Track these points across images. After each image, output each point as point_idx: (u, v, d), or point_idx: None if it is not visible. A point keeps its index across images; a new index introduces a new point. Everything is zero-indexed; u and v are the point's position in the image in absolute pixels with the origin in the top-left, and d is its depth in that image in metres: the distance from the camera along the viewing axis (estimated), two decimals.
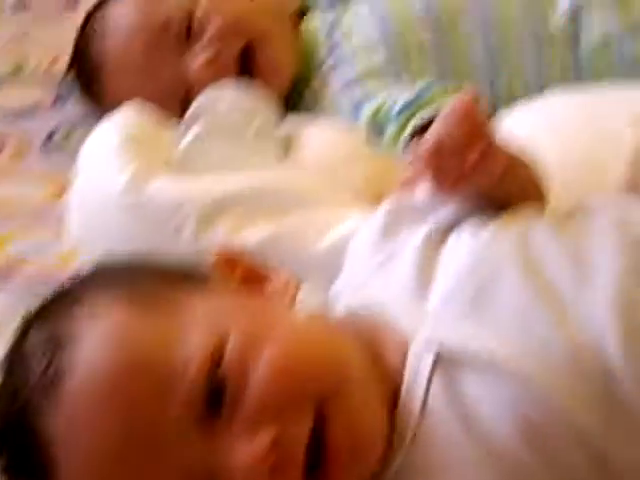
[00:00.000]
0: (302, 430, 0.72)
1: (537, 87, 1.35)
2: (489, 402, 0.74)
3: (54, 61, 1.70)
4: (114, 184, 1.12)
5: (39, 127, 1.57)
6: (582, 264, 0.79)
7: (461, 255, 0.83)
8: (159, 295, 0.78)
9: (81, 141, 1.27)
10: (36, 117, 1.60)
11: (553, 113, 1.22)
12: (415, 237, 0.86)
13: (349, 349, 0.79)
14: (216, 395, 0.72)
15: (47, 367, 0.74)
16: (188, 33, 1.37)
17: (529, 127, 1.19)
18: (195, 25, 1.37)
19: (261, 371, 0.73)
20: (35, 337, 0.77)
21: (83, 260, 1.16)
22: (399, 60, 1.38)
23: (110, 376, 0.73)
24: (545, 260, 0.80)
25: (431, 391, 0.76)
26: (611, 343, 0.74)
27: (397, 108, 1.31)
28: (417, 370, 0.77)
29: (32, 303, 0.81)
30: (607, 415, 0.73)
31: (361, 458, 0.75)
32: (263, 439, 0.71)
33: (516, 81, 1.37)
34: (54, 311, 0.79)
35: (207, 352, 0.73)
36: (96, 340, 0.74)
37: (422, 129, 1.27)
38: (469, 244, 0.83)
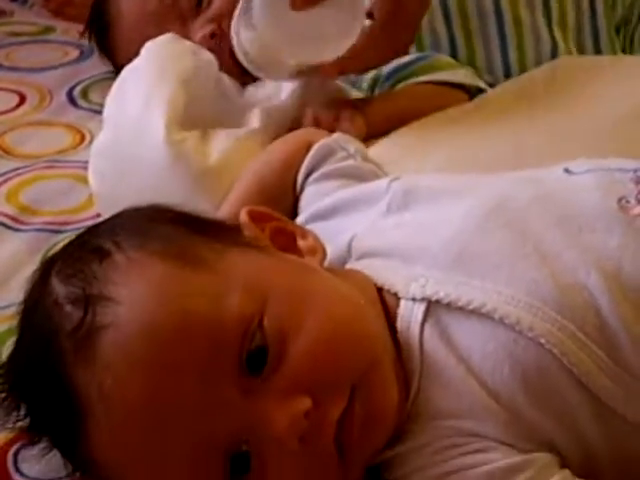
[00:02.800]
0: (336, 409, 0.71)
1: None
2: (481, 348, 0.74)
3: None
4: (153, 133, 1.11)
5: (60, 81, 1.58)
6: (566, 223, 0.79)
7: (441, 219, 0.83)
8: (195, 251, 0.74)
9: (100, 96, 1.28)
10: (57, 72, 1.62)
11: None
12: (378, 207, 0.89)
13: (374, 317, 0.78)
14: (256, 359, 0.71)
15: (82, 320, 0.71)
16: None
17: None
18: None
19: (303, 343, 0.71)
20: (64, 287, 0.74)
21: (103, 207, 1.16)
22: None
23: (155, 331, 0.69)
24: (527, 219, 0.80)
25: (425, 339, 0.76)
26: (596, 284, 0.75)
27: (386, 72, 1.31)
28: (410, 320, 0.78)
29: (42, 251, 0.80)
30: (598, 352, 0.73)
31: (382, 430, 0.75)
32: (297, 408, 0.70)
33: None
34: (84, 261, 0.74)
35: (248, 316, 0.71)
36: (138, 294, 0.71)
37: None
38: (448, 210, 0.84)
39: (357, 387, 0.73)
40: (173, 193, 1.09)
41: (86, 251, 0.76)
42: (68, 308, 0.72)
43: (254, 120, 1.18)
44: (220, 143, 1.13)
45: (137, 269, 0.72)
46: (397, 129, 1.20)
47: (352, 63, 1.15)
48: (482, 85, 1.31)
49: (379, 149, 1.13)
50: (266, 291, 0.73)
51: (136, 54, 1.23)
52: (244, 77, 1.24)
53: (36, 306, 0.76)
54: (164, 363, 0.69)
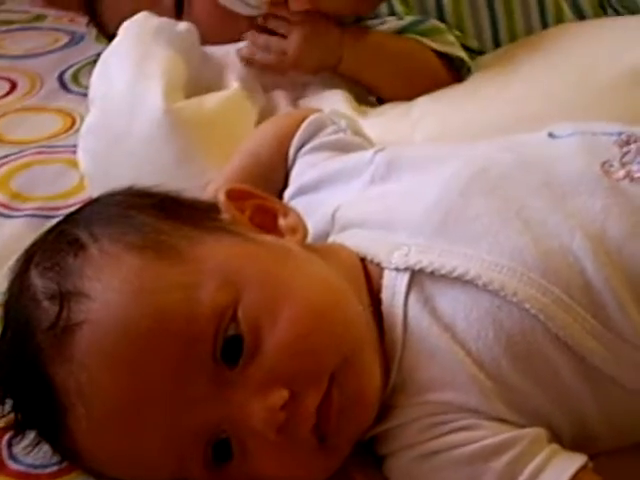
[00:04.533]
0: (313, 399, 0.70)
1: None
2: (465, 315, 0.73)
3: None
4: (150, 105, 1.11)
5: (51, 67, 1.57)
6: (549, 189, 0.78)
7: (424, 188, 0.82)
8: (170, 241, 0.72)
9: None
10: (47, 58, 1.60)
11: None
12: (362, 178, 0.88)
13: (354, 299, 0.76)
14: (231, 349, 0.69)
15: (58, 316, 0.69)
16: None
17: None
18: None
19: (278, 334, 0.70)
20: (41, 281, 0.72)
21: (94, 190, 1.13)
22: None
23: (128, 329, 0.68)
24: (510, 185, 0.79)
25: (409, 308, 0.75)
26: (580, 246, 0.74)
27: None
28: (394, 290, 0.76)
29: (33, 237, 0.79)
30: (584, 315, 0.73)
31: (362, 414, 0.74)
32: (273, 401, 0.68)
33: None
34: (61, 253, 0.73)
35: (221, 307, 0.69)
36: (111, 290, 0.69)
37: None
38: (431, 179, 0.82)
39: (335, 375, 0.71)
40: (168, 163, 1.09)
41: (63, 242, 0.74)
42: (45, 304, 0.71)
43: (232, 81, 1.20)
44: (213, 105, 1.14)
45: (111, 263, 0.71)
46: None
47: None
48: (468, 62, 1.29)
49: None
50: (241, 281, 0.71)
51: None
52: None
53: (17, 300, 0.74)
54: (138, 360, 0.68)
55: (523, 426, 0.73)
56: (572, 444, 0.74)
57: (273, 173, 0.99)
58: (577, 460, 0.70)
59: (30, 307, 0.72)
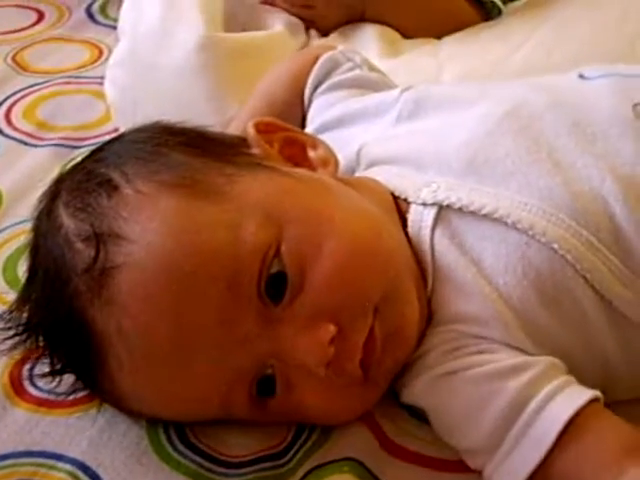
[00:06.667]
0: (362, 332, 0.69)
1: None
2: (494, 251, 0.72)
3: None
4: (186, 39, 1.09)
5: None
6: (580, 130, 0.76)
7: (454, 127, 0.80)
8: (206, 179, 0.71)
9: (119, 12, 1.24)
10: None
11: None
12: (388, 117, 0.86)
13: (392, 228, 0.76)
14: (275, 286, 0.68)
15: (95, 259, 0.67)
16: None
17: None
18: None
19: (323, 268, 0.69)
20: (73, 222, 0.70)
21: (120, 122, 1.13)
22: None
23: (171, 269, 0.66)
24: (541, 126, 0.77)
25: (435, 243, 0.74)
26: (610, 190, 0.72)
27: None
28: (420, 225, 0.75)
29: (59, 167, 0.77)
30: (612, 259, 0.71)
31: (404, 346, 0.73)
32: (323, 337, 0.67)
33: None
34: (92, 194, 0.71)
35: (264, 244, 0.68)
36: (151, 231, 0.67)
37: None
38: (461, 118, 0.81)
39: (378, 308, 0.70)
40: (198, 97, 1.07)
41: (93, 183, 0.72)
42: (79, 246, 0.69)
43: (277, 23, 1.18)
44: (257, 40, 1.13)
45: (148, 203, 0.69)
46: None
47: None
48: (499, 4, 1.26)
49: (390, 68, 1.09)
50: (282, 217, 0.70)
51: None
52: None
53: (46, 239, 0.73)
54: (183, 301, 0.66)
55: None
56: (593, 387, 0.72)
57: (289, 114, 0.97)
58: (589, 392, 0.69)
59: (63, 248, 0.70)
